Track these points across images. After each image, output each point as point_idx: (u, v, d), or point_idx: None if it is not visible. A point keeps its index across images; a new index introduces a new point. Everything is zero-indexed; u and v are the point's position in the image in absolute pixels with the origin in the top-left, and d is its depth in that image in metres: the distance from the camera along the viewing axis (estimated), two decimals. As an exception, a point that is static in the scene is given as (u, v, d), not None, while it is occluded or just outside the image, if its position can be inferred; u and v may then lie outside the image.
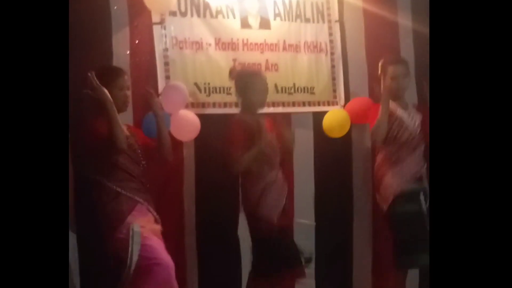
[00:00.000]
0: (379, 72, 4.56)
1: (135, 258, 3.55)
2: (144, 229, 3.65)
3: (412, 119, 4.53)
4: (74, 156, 3.80)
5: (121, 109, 3.74)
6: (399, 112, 4.53)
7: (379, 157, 4.56)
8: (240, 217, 4.54)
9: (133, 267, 3.55)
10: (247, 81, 4.15)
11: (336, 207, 4.92)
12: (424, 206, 4.41)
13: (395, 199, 4.41)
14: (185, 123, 4.25)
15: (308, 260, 4.26)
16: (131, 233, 3.58)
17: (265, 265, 4.04)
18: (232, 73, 4.27)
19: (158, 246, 3.70)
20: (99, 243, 3.70)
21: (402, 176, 4.44)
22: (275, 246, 3.99)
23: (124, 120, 3.96)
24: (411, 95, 4.82)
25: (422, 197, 4.43)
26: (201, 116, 4.32)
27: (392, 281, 4.80)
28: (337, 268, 4.90)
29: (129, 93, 3.83)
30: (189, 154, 4.41)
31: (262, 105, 4.22)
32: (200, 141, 4.36)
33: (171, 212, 4.23)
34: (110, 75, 3.74)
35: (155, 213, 3.80)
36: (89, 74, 3.58)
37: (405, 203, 4.40)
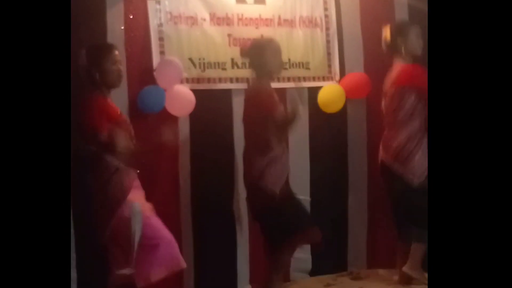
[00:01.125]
0: (388, 36, 4.44)
1: (137, 238, 3.57)
2: (144, 208, 3.67)
3: None
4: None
5: (115, 84, 3.75)
6: None
7: (409, 128, 4.32)
8: (235, 193, 4.59)
9: (135, 248, 3.57)
10: (261, 48, 4.10)
11: (331, 182, 4.94)
12: None
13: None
14: (180, 98, 4.25)
15: None
16: (133, 212, 3.59)
17: (273, 234, 4.02)
18: (243, 51, 4.22)
19: (159, 225, 3.73)
20: (101, 224, 3.67)
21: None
22: (279, 215, 3.97)
23: (119, 96, 3.97)
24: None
25: None
26: (196, 92, 4.32)
27: (387, 257, 4.86)
28: (333, 243, 4.93)
29: (122, 67, 3.81)
30: (184, 130, 4.41)
31: (280, 69, 4.23)
32: (195, 116, 4.37)
33: (166, 187, 4.25)
34: (100, 51, 3.73)
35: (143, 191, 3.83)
36: (79, 53, 3.61)
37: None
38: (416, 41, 4.38)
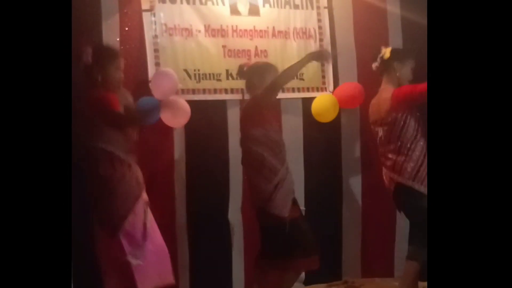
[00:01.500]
0: (387, 55, 4.36)
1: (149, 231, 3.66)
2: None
3: None
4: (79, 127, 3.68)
5: (115, 88, 3.76)
6: None
7: (417, 155, 4.24)
8: (230, 202, 4.62)
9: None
10: (261, 75, 4.06)
11: (325, 192, 4.96)
12: None
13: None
14: (175, 109, 4.28)
15: None
16: (145, 210, 3.68)
17: (278, 255, 4.01)
18: (242, 71, 4.18)
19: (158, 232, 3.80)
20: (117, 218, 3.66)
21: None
22: (287, 239, 3.96)
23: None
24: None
25: None
26: (191, 103, 4.35)
27: (381, 265, 4.88)
28: (327, 254, 4.95)
29: (122, 75, 3.82)
30: (179, 140, 4.44)
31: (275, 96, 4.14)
32: (190, 127, 4.40)
33: (161, 196, 4.27)
34: (107, 54, 3.75)
35: None
36: (85, 50, 3.64)
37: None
38: (409, 72, 4.35)
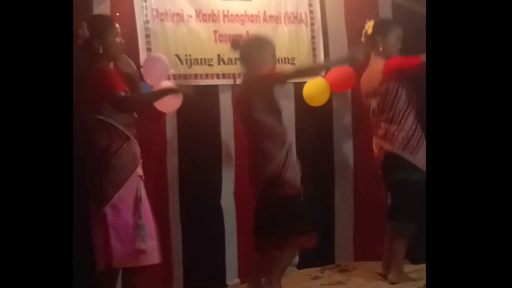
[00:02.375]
0: (370, 32, 4.47)
1: (142, 213, 3.55)
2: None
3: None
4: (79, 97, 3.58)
5: (117, 56, 3.72)
6: None
7: (408, 125, 4.36)
8: (223, 187, 4.63)
9: (142, 222, 3.54)
10: (256, 48, 4.12)
11: (317, 176, 4.97)
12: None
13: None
14: (169, 99, 4.27)
15: None
16: (139, 185, 3.60)
17: (276, 230, 4.06)
18: (236, 43, 4.21)
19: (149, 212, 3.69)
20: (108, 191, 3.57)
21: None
22: (301, 209, 4.08)
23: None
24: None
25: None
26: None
27: (374, 249, 4.91)
28: (320, 236, 4.98)
29: (123, 40, 3.76)
30: (171, 125, 4.44)
31: (272, 65, 4.18)
32: (182, 112, 4.39)
33: (154, 182, 4.26)
34: (103, 23, 3.68)
35: None
36: (80, 25, 3.57)
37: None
38: (395, 42, 4.43)
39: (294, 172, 4.07)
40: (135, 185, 3.58)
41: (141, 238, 3.51)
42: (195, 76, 4.47)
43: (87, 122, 3.57)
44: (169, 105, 4.29)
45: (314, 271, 4.93)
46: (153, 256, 3.60)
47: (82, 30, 3.57)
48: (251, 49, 4.14)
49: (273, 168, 4.01)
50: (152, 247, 3.58)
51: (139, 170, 3.65)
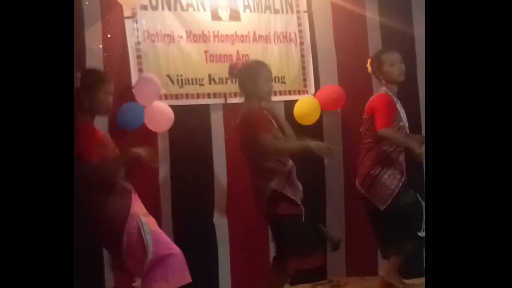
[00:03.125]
0: (370, 68, 4.59)
1: (151, 248, 3.61)
2: (149, 220, 3.73)
3: (404, 116, 4.54)
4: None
5: (102, 113, 3.80)
6: (398, 107, 4.50)
7: (370, 157, 4.47)
8: (215, 205, 4.66)
9: (151, 257, 3.61)
10: (254, 73, 4.08)
11: (309, 193, 4.95)
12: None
13: (393, 199, 4.40)
14: (159, 114, 4.33)
15: (336, 246, 4.32)
16: (140, 224, 3.63)
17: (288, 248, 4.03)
18: (233, 69, 4.19)
19: (164, 236, 3.79)
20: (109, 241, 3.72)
21: (398, 174, 4.43)
22: (302, 228, 4.05)
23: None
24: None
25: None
26: (174, 107, 4.40)
27: (365, 264, 4.95)
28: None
29: (112, 99, 3.80)
30: (163, 145, 4.48)
31: (270, 94, 4.19)
32: (174, 131, 4.45)
33: (147, 201, 4.26)
34: (96, 79, 3.74)
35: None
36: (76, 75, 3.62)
37: (404, 199, 4.41)
38: (391, 69, 4.48)
39: (296, 191, 4.08)
40: (135, 226, 3.63)
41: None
42: (187, 95, 4.53)
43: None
44: (160, 125, 4.35)
45: (307, 287, 4.96)
46: (185, 276, 3.74)
47: (75, 80, 3.58)
48: (247, 75, 4.10)
49: (277, 182, 4.00)
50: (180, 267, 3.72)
51: (133, 212, 3.67)
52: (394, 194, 4.40)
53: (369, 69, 4.61)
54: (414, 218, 4.37)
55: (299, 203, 4.07)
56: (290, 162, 4.08)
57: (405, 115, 4.54)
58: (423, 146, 4.26)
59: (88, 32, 4.19)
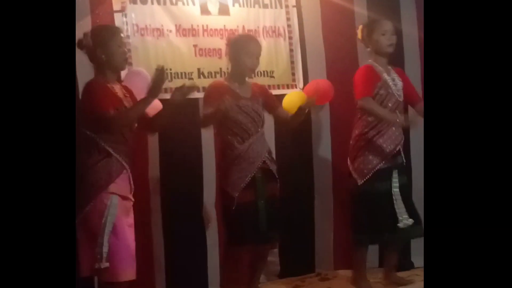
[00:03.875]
0: (360, 35, 4.56)
1: (106, 231, 3.52)
2: (123, 206, 3.64)
3: (394, 83, 4.49)
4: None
5: (121, 66, 3.75)
6: (385, 76, 4.47)
7: (358, 128, 4.47)
8: (204, 198, 4.69)
9: (104, 241, 3.51)
10: (242, 44, 4.13)
11: (297, 186, 5.05)
12: (397, 184, 4.43)
13: (371, 176, 4.39)
14: (148, 108, 4.33)
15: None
16: (109, 202, 3.54)
17: (232, 236, 4.11)
18: (227, 39, 4.27)
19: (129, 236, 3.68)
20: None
21: (382, 151, 4.39)
22: (238, 219, 4.02)
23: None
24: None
25: (395, 175, 4.44)
26: (163, 101, 4.40)
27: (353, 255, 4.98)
28: (300, 246, 5.06)
29: (126, 50, 3.79)
30: (153, 138, 4.49)
31: (253, 69, 4.22)
32: (163, 124, 4.45)
33: (136, 194, 4.29)
34: (107, 33, 3.71)
35: (132, 184, 3.78)
36: (83, 34, 3.62)
37: (379, 182, 4.39)
38: (381, 38, 4.45)
39: (233, 184, 4.05)
40: (104, 202, 3.56)
41: (99, 257, 3.51)
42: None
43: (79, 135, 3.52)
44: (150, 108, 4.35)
45: (295, 280, 4.98)
46: (128, 273, 3.59)
47: (86, 39, 3.61)
48: (238, 44, 4.15)
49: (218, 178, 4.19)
50: (125, 264, 3.57)
51: (113, 187, 3.60)
52: (374, 170, 4.38)
53: (359, 35, 4.59)
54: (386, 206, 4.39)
55: (234, 195, 4.02)
56: (235, 152, 4.06)
57: (399, 84, 4.48)
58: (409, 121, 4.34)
59: (77, 25, 4.14)
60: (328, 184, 5.20)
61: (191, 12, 4.62)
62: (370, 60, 4.51)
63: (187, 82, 3.79)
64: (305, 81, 5.05)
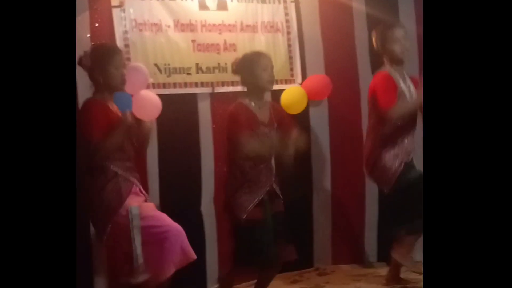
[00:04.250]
0: (375, 44, 4.48)
1: (138, 243, 3.51)
2: (143, 209, 3.63)
3: (409, 92, 4.40)
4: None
5: (118, 88, 3.71)
6: (401, 85, 4.39)
7: (374, 135, 4.41)
8: (202, 194, 4.69)
9: (139, 251, 3.51)
10: (253, 60, 4.07)
11: (296, 181, 5.03)
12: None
13: (397, 180, 4.32)
14: (147, 103, 4.29)
15: None
16: (130, 216, 3.54)
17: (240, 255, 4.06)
18: (234, 65, 4.19)
19: (163, 216, 3.71)
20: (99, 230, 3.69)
21: (401, 156, 4.33)
22: (245, 239, 3.99)
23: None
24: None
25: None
26: (162, 96, 4.40)
27: (351, 252, 4.99)
28: (299, 241, 5.05)
29: (125, 71, 3.77)
30: (151, 133, 4.49)
31: (272, 81, 4.14)
32: (162, 120, 4.45)
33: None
34: (106, 54, 3.71)
35: (146, 194, 3.82)
36: (83, 53, 3.62)
37: (408, 178, 4.31)
38: (395, 46, 4.38)
39: (239, 207, 3.99)
40: (125, 216, 3.55)
41: (137, 271, 3.52)
42: (174, 85, 4.54)
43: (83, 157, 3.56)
44: (148, 114, 4.35)
45: (293, 274, 4.99)
46: (169, 271, 3.61)
47: (85, 59, 3.61)
48: (244, 67, 4.09)
49: (223, 195, 4.12)
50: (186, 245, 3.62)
51: (130, 203, 3.59)
52: (397, 175, 4.31)
53: (374, 43, 4.49)
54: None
55: (241, 217, 3.97)
56: (247, 177, 4.01)
57: (414, 93, 4.36)
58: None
59: (77, 21, 4.18)
60: (326, 179, 5.21)
61: (189, 7, 4.61)
62: (387, 67, 4.40)
63: None
64: (303, 76, 5.05)
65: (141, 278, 3.52)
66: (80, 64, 3.62)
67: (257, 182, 4.04)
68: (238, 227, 4.01)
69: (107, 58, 3.68)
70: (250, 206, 3.99)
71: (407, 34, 4.43)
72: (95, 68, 3.64)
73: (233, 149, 4.02)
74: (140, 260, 3.53)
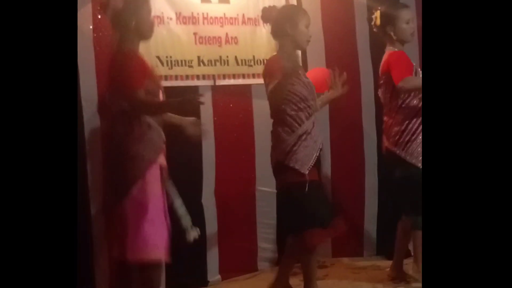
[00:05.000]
0: (379, 22, 4.43)
1: (177, 198, 3.51)
2: None
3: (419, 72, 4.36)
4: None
5: (149, 34, 3.62)
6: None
7: (405, 110, 4.29)
8: (203, 185, 4.71)
9: (183, 210, 3.51)
10: (295, 16, 3.96)
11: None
12: None
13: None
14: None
15: None
16: (162, 175, 3.43)
17: (292, 221, 3.91)
18: (269, 11, 4.08)
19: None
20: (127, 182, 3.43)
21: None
22: (305, 201, 3.83)
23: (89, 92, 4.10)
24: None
25: None
26: (164, 89, 4.42)
27: (351, 245, 5.00)
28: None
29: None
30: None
31: (309, 39, 4.04)
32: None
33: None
34: (137, 1, 3.56)
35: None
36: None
37: None
38: (406, 26, 4.36)
39: (301, 161, 3.85)
40: (156, 177, 3.43)
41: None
42: (176, 77, 4.55)
43: (108, 110, 3.48)
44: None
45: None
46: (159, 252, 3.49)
47: (114, 0, 3.45)
48: (287, 18, 3.96)
49: (279, 153, 3.90)
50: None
51: (162, 162, 3.50)
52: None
53: (378, 22, 4.44)
54: None
55: (304, 172, 3.83)
56: (303, 128, 3.90)
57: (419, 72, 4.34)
58: None
59: (78, 12, 4.18)
60: (327, 174, 5.21)
61: (191, 0, 4.62)
62: (391, 47, 4.38)
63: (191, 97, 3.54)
64: (305, 69, 5.03)
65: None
66: (104, 7, 3.50)
67: (313, 135, 3.93)
68: (302, 186, 3.81)
69: (138, 5, 3.52)
70: (311, 162, 3.88)
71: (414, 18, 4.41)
72: (127, 10, 3.46)
73: (282, 99, 3.86)
74: (187, 219, 3.49)
